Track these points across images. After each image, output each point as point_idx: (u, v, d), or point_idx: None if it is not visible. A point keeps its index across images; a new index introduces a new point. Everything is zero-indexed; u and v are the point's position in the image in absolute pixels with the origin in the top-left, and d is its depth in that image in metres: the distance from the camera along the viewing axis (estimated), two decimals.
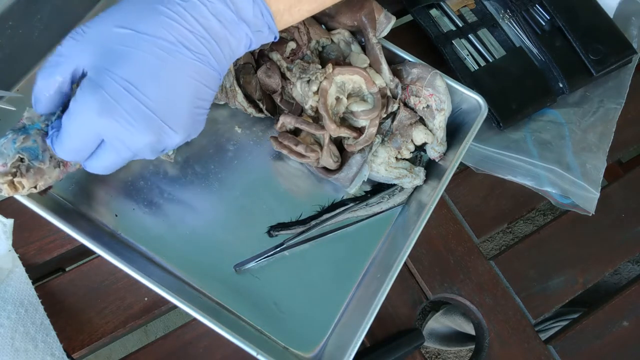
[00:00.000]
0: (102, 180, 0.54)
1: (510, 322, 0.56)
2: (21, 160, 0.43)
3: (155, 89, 0.39)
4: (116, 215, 0.53)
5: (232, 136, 0.57)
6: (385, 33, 0.53)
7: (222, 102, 0.56)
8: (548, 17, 0.65)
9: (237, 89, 0.53)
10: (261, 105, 0.55)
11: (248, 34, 0.43)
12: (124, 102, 0.39)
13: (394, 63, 0.56)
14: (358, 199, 0.57)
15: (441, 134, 0.55)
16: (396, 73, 0.55)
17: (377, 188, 0.57)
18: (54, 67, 0.41)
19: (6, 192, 0.43)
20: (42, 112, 0.43)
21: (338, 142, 0.55)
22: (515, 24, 0.65)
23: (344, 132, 0.52)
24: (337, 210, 0.56)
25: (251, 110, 0.55)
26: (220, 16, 0.41)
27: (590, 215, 0.60)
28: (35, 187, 0.44)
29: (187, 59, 0.40)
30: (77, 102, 0.39)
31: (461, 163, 0.58)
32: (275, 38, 0.45)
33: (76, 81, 0.41)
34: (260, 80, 0.54)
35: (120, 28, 0.39)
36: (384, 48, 0.54)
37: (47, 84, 0.41)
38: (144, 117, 0.39)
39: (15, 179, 0.43)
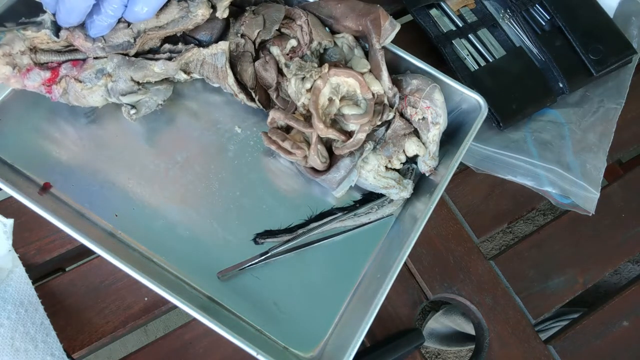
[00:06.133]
0: (103, 180, 0.54)
1: (510, 322, 0.56)
2: None
3: None
4: (116, 215, 0.53)
5: (232, 136, 0.57)
6: (389, 40, 0.53)
7: (215, 84, 0.56)
8: (548, 17, 0.65)
9: (228, 70, 0.53)
10: (253, 95, 0.54)
11: None
12: None
13: (396, 73, 0.56)
14: (346, 209, 0.56)
15: (434, 147, 0.55)
16: (396, 83, 0.54)
17: (367, 198, 0.57)
18: None
19: None
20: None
21: (329, 145, 0.55)
22: (515, 24, 0.65)
23: (332, 134, 0.51)
24: (324, 220, 0.55)
25: (242, 97, 0.54)
26: None
27: (590, 215, 0.60)
28: None
29: None
30: None
31: (461, 163, 0.58)
32: None
33: None
34: (257, 72, 0.54)
35: None
36: (386, 53, 0.54)
37: None
38: None
39: None
